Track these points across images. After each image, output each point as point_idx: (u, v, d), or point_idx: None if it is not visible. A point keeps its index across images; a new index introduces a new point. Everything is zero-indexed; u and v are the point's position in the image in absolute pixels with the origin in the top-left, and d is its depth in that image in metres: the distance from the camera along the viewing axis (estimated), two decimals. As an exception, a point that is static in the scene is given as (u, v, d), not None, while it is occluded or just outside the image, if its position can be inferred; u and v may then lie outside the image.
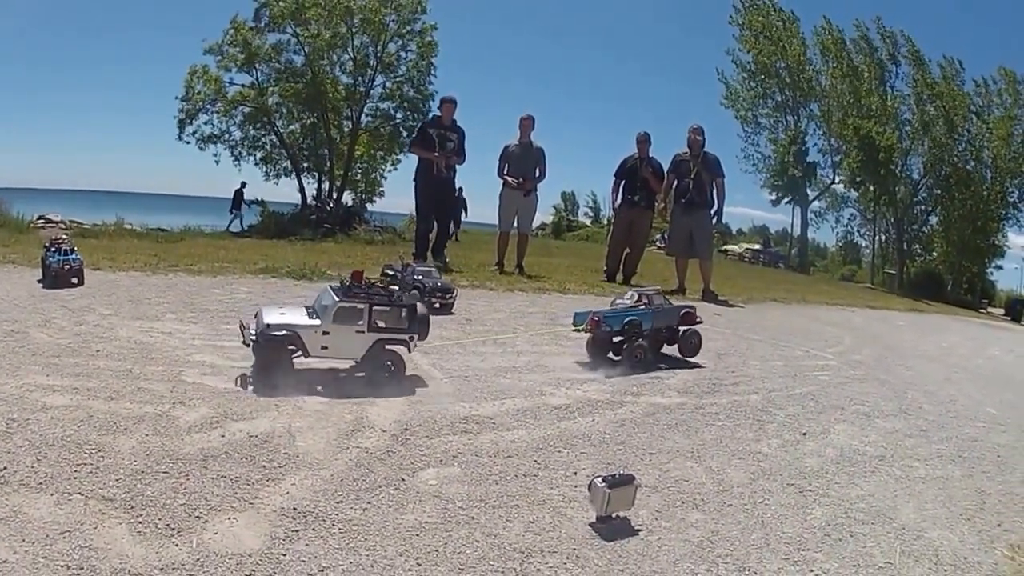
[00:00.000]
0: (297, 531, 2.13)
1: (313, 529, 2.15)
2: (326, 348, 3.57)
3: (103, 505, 2.13)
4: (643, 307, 4.82)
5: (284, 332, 3.46)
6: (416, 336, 3.75)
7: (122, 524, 2.04)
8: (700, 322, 5.17)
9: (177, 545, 1.97)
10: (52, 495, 2.16)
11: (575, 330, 4.69)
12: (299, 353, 3.54)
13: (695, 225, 9.98)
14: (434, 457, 2.85)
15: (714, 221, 10.31)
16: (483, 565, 2.09)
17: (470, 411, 3.45)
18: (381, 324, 3.62)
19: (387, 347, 3.68)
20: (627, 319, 4.66)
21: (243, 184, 25.73)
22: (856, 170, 35.77)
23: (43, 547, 1.88)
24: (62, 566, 1.80)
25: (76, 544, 1.91)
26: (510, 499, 2.55)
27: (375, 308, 3.59)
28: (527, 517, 2.43)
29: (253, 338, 3.49)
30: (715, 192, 9.98)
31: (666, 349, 5.08)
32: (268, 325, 3.46)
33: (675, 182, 10.19)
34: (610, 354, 4.74)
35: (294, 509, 2.25)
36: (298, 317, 3.59)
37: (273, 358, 3.47)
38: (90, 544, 1.92)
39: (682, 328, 5.02)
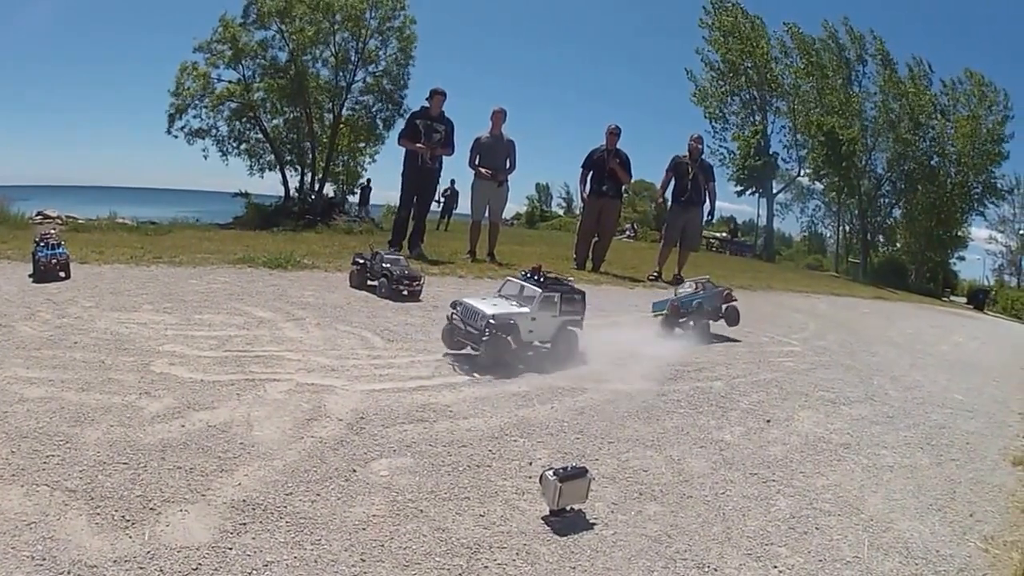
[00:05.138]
0: (245, 524, 2.09)
1: (261, 522, 2.12)
2: (531, 332, 4.16)
3: (66, 497, 2.14)
4: (701, 292, 6.05)
5: (509, 321, 3.95)
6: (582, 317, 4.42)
7: (82, 516, 2.04)
8: (736, 300, 6.32)
9: (131, 537, 1.96)
10: (22, 487, 2.17)
11: (655, 315, 6.05)
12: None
13: (688, 221, 11.04)
14: (387, 447, 2.78)
15: (709, 218, 11.53)
16: (429, 561, 2.03)
17: (428, 399, 3.37)
18: (566, 309, 4.26)
19: (568, 328, 4.31)
20: (695, 301, 5.90)
21: (368, 181, 26.29)
22: (820, 164, 36.34)
23: (12, 538, 1.90)
24: (27, 557, 1.82)
25: (41, 535, 1.92)
26: (461, 491, 2.49)
27: (564, 296, 4.24)
28: (478, 510, 2.36)
29: (474, 330, 3.96)
30: (707, 194, 10.99)
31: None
32: (494, 316, 3.90)
33: (671, 181, 11.05)
34: (676, 329, 5.80)
35: (244, 501, 2.22)
36: (508, 307, 4.10)
37: (504, 344, 3.92)
38: (53, 535, 1.93)
39: (724, 305, 6.18)
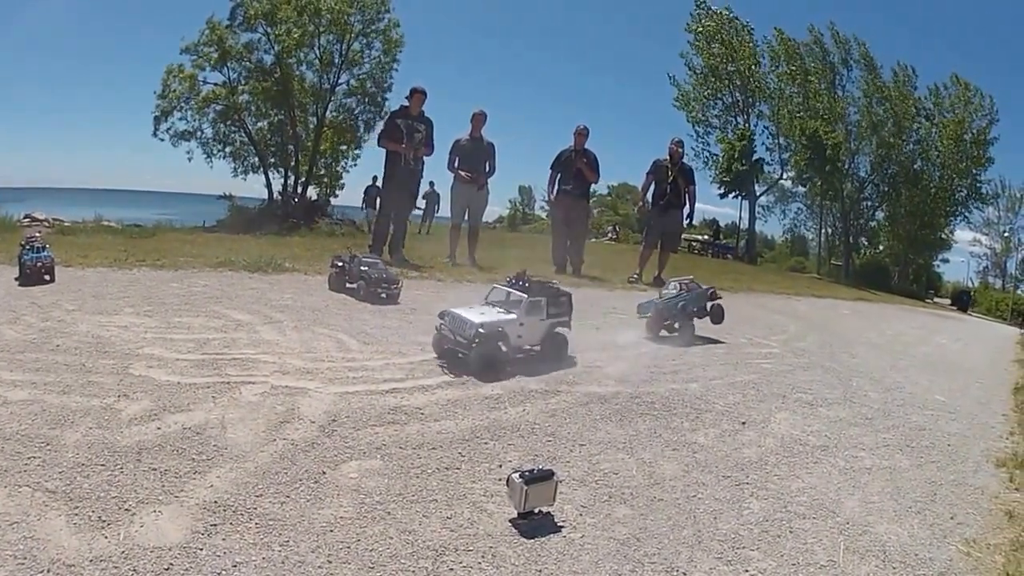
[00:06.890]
0: (216, 525, 2.13)
1: (231, 523, 2.14)
2: (520, 337, 4.21)
3: (47, 497, 2.19)
4: (685, 293, 6.06)
5: (498, 329, 4.03)
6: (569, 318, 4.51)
7: (61, 516, 2.10)
8: (720, 298, 6.35)
9: (106, 537, 2.01)
10: (5, 488, 2.22)
11: (640, 318, 6.02)
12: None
13: (668, 223, 11.25)
14: (358, 449, 2.79)
15: (688, 221, 11.72)
16: (394, 563, 2.04)
17: (400, 401, 3.35)
18: (553, 312, 4.34)
19: (556, 330, 4.41)
20: (680, 303, 5.92)
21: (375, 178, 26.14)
22: (803, 167, 36.52)
23: (-4, 537, 1.97)
24: (10, 555, 1.89)
25: (23, 535, 1.98)
26: (429, 493, 2.49)
27: (550, 300, 4.32)
28: (445, 512, 2.36)
29: (463, 339, 3.95)
30: (687, 197, 11.19)
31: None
32: (482, 324, 3.94)
33: (652, 184, 11.24)
34: (663, 332, 5.87)
35: (215, 503, 2.25)
36: (496, 315, 4.13)
37: (494, 352, 3.99)
38: (34, 535, 1.99)
39: (709, 304, 6.21)
